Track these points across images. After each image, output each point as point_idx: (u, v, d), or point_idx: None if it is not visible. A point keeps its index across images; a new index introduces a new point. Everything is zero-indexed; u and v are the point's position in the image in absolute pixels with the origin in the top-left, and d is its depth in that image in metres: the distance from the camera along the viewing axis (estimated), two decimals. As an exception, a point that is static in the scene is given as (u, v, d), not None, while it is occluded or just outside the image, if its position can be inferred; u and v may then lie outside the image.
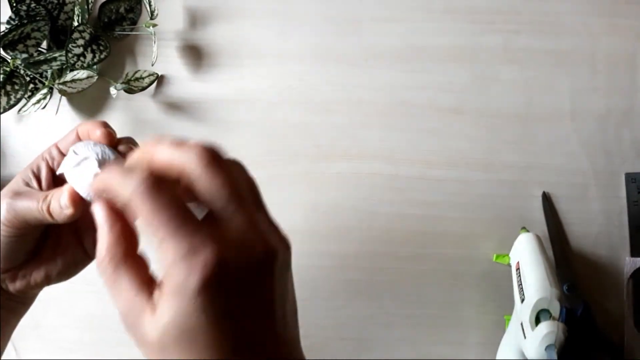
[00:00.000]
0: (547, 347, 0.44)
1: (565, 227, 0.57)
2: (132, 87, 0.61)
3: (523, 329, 0.47)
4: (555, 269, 0.54)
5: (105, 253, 0.27)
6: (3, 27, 0.58)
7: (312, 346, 0.55)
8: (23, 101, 0.58)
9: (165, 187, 0.25)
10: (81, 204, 0.32)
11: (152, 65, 0.61)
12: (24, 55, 0.57)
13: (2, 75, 0.56)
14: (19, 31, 0.56)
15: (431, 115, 0.59)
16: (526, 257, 0.51)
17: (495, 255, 0.56)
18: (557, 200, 0.57)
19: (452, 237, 0.57)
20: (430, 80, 0.60)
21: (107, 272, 0.26)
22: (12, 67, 0.57)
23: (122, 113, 0.62)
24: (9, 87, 0.57)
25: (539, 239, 0.53)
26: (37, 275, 0.37)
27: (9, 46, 0.57)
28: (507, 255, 0.55)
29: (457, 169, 0.58)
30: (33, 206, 0.33)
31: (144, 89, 0.61)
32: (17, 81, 0.57)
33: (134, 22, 0.63)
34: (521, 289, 0.50)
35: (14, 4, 0.58)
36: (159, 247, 0.24)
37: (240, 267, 0.25)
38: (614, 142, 0.58)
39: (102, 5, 0.62)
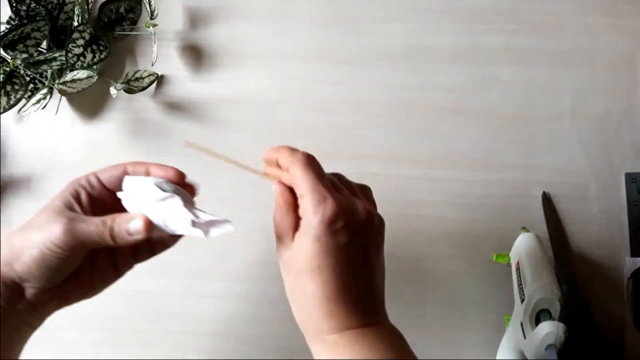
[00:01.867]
0: (547, 347, 0.44)
1: (565, 227, 0.57)
2: (132, 87, 0.61)
3: (523, 329, 0.47)
4: (555, 269, 0.54)
5: (281, 203, 0.38)
6: (3, 27, 0.58)
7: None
8: (23, 101, 0.58)
9: (312, 162, 0.37)
10: (152, 231, 0.36)
11: (152, 65, 0.61)
12: (24, 55, 0.57)
13: (2, 75, 0.56)
14: (19, 31, 0.56)
15: (431, 115, 0.59)
16: (526, 257, 0.51)
17: (495, 255, 0.56)
18: (557, 200, 0.57)
19: (452, 237, 0.57)
20: (430, 80, 0.60)
21: (277, 217, 0.38)
22: (12, 67, 0.57)
23: (122, 113, 0.62)
24: (9, 87, 0.57)
25: (539, 239, 0.53)
26: (72, 293, 0.39)
27: (9, 46, 0.57)
28: (507, 255, 0.55)
29: (457, 169, 0.58)
30: (92, 230, 0.36)
31: (144, 89, 0.61)
32: (17, 81, 0.57)
33: (134, 22, 0.63)
34: (521, 289, 0.50)
35: (14, 4, 0.58)
36: (301, 201, 0.36)
37: (348, 220, 0.35)
38: (614, 142, 0.58)
39: (102, 5, 0.62)
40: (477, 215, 0.58)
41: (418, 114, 0.59)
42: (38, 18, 0.58)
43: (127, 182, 0.39)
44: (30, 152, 0.62)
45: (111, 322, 0.58)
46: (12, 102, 0.57)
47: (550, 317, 0.46)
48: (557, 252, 0.56)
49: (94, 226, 0.36)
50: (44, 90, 0.59)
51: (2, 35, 0.55)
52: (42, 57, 0.58)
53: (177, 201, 0.37)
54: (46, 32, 0.58)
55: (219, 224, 0.37)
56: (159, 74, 0.62)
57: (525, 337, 0.47)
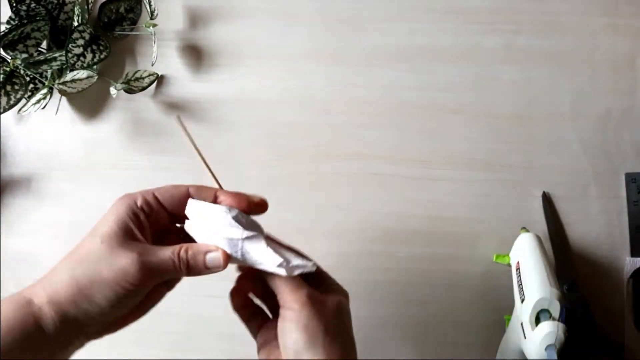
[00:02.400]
0: (547, 347, 0.44)
1: (565, 227, 0.57)
2: (132, 87, 0.61)
3: (523, 329, 0.47)
4: (555, 269, 0.54)
5: None
6: (3, 27, 0.58)
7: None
8: (23, 101, 0.58)
9: None
10: (229, 262, 0.36)
11: (152, 65, 0.61)
12: (24, 55, 0.57)
13: (2, 75, 0.56)
14: (19, 31, 0.56)
15: (431, 115, 0.59)
16: (526, 257, 0.51)
17: (495, 255, 0.56)
18: (557, 200, 0.57)
19: (452, 237, 0.57)
20: (430, 80, 0.60)
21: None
22: (12, 67, 0.57)
23: (122, 113, 0.62)
24: (9, 87, 0.57)
25: (539, 239, 0.53)
26: (129, 319, 0.38)
27: (9, 46, 0.57)
28: (507, 255, 0.55)
29: (457, 169, 0.58)
30: (168, 265, 0.35)
31: (144, 89, 0.61)
32: (17, 81, 0.57)
33: (134, 22, 0.63)
34: (521, 289, 0.50)
35: (14, 4, 0.58)
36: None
37: (342, 303, 0.37)
38: (614, 142, 0.58)
39: (102, 5, 0.62)
40: (477, 215, 0.58)
41: (418, 114, 0.59)
42: (38, 18, 0.58)
43: (193, 207, 0.37)
44: (30, 152, 0.62)
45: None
46: (12, 102, 0.57)
47: (551, 317, 0.46)
48: (557, 252, 0.56)
49: (169, 260, 0.35)
50: (44, 90, 0.59)
51: (2, 35, 0.55)
52: (42, 57, 0.58)
53: (262, 243, 0.36)
54: (46, 32, 0.58)
55: (302, 265, 0.36)
56: (159, 74, 0.62)
57: (525, 337, 0.47)
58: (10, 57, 0.57)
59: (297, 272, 0.36)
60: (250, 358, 0.57)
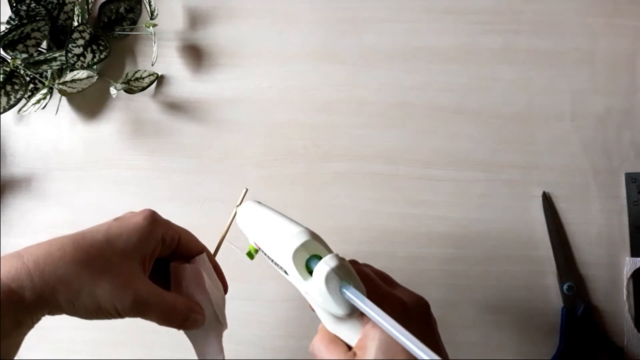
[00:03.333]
0: (342, 287, 0.33)
1: (565, 227, 0.57)
2: (132, 87, 0.61)
3: (314, 298, 0.35)
4: (556, 269, 0.54)
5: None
6: (3, 27, 0.58)
7: (312, 346, 0.55)
8: (23, 101, 0.58)
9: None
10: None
11: (152, 65, 0.61)
12: (24, 55, 0.57)
13: (2, 75, 0.56)
14: (19, 31, 0.56)
15: (431, 115, 0.59)
16: (256, 231, 0.41)
17: (247, 252, 0.42)
18: (557, 200, 0.57)
19: (452, 237, 0.57)
20: (430, 80, 0.60)
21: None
22: (12, 67, 0.57)
23: (122, 113, 0.62)
24: (8, 87, 0.57)
25: (255, 203, 0.43)
26: None
27: (9, 46, 0.57)
28: (251, 247, 0.42)
29: (457, 169, 0.58)
30: (159, 317, 0.37)
31: (143, 89, 0.61)
32: (17, 81, 0.57)
33: (133, 22, 0.63)
34: (277, 264, 0.38)
35: (14, 4, 0.58)
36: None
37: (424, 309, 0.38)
38: (614, 142, 0.58)
39: (102, 5, 0.62)
40: (477, 215, 0.58)
41: (418, 114, 0.59)
42: (38, 18, 0.58)
43: (200, 262, 0.40)
44: (30, 152, 0.62)
45: (111, 322, 0.58)
46: (12, 102, 0.57)
47: (320, 259, 0.35)
48: (557, 252, 0.56)
49: (164, 314, 0.36)
50: (44, 90, 0.59)
51: (2, 35, 0.55)
52: (42, 57, 0.58)
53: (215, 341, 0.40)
54: (46, 32, 0.58)
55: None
56: (159, 74, 0.62)
57: (322, 302, 0.34)
58: (10, 57, 0.57)
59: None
60: (250, 358, 0.57)
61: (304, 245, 0.35)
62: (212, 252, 0.43)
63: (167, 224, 0.38)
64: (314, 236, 0.36)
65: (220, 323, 0.40)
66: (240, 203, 0.44)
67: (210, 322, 0.39)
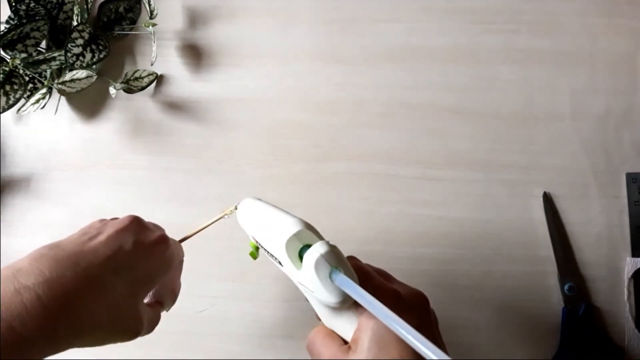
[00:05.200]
0: (332, 273, 0.33)
1: (565, 227, 0.57)
2: (132, 87, 0.60)
3: (307, 288, 0.35)
4: (558, 269, 0.54)
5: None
6: (2, 27, 0.58)
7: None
8: (22, 101, 0.58)
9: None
10: None
11: (152, 64, 0.61)
12: (23, 55, 0.57)
13: (1, 75, 0.56)
14: (18, 31, 0.56)
15: (431, 115, 0.59)
16: (254, 227, 0.42)
17: (250, 252, 0.44)
18: (557, 200, 0.57)
19: (452, 237, 0.57)
20: (430, 80, 0.60)
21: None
22: (12, 67, 0.57)
23: (122, 113, 0.62)
24: (8, 87, 0.57)
25: (257, 199, 0.44)
26: None
27: (8, 46, 0.57)
28: (252, 245, 0.43)
29: (457, 169, 0.58)
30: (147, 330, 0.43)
31: (143, 88, 0.61)
32: (16, 81, 0.57)
33: (133, 22, 0.63)
34: (272, 256, 0.38)
35: (14, 4, 0.58)
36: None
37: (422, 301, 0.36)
38: (614, 142, 0.58)
39: (102, 4, 0.62)
40: (477, 215, 0.57)
41: (418, 114, 0.59)
42: (37, 18, 0.58)
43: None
44: (30, 152, 0.62)
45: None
46: (11, 102, 0.57)
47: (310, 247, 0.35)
48: (557, 252, 0.56)
49: (149, 327, 0.41)
50: (43, 90, 0.59)
51: (2, 35, 0.55)
52: (41, 57, 0.58)
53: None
54: (45, 32, 0.58)
55: None
56: (159, 73, 0.62)
57: (313, 291, 0.34)
58: (9, 57, 0.57)
59: None
60: (250, 358, 0.57)
61: (296, 235, 0.35)
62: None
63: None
64: (307, 226, 0.36)
65: None
66: (224, 216, 0.48)
67: None
